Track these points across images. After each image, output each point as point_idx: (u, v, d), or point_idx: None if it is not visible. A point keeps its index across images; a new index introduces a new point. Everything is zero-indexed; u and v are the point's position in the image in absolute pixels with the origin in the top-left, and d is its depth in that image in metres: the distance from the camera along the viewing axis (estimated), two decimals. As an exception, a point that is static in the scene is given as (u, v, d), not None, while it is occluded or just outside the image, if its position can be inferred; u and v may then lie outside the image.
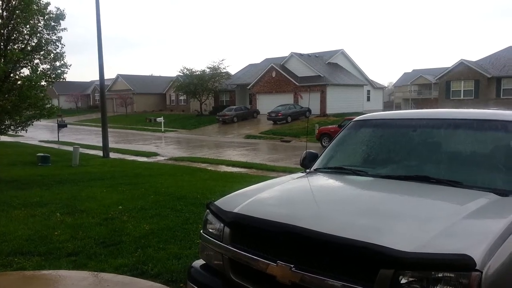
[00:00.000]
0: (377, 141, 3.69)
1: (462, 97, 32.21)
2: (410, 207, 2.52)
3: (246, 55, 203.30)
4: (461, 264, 1.79)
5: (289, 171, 10.45)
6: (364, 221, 2.28)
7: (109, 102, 53.19)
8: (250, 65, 50.77)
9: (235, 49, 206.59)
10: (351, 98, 39.18)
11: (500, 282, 1.88)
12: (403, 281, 1.90)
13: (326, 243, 2.12)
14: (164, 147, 24.18)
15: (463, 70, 32.21)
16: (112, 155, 18.56)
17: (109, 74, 76.03)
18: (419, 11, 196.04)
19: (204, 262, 2.88)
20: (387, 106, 56.75)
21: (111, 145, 20.04)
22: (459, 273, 1.80)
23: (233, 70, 50.77)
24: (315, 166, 3.74)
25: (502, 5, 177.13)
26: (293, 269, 2.18)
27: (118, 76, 60.68)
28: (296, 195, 3.01)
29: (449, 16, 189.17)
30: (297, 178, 3.45)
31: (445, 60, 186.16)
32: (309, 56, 41.54)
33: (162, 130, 35.73)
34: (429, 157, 3.20)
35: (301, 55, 40.78)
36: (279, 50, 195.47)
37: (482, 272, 1.79)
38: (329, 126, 23.21)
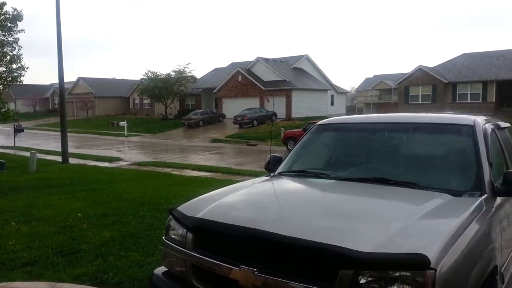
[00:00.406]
0: (338, 144, 3.78)
1: (420, 102, 33.52)
2: (369, 208, 2.58)
3: (212, 59, 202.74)
4: (416, 263, 1.86)
5: (255, 174, 10.46)
6: (325, 223, 2.32)
7: (69, 105, 51.29)
8: (216, 69, 50.62)
9: (201, 53, 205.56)
10: (316, 102, 39.87)
11: (452, 279, 1.96)
12: (362, 281, 1.95)
13: (288, 246, 2.14)
14: (127, 151, 23.61)
15: (421, 76, 33.55)
16: (72, 160, 17.90)
17: (70, 77, 73.65)
18: (380, 19, 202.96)
19: (166, 269, 2.83)
20: (350, 110, 58.13)
21: (71, 150, 19.34)
22: (414, 271, 1.87)
23: (199, 74, 50.36)
24: (279, 169, 3.77)
25: (457, 15, 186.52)
26: (256, 273, 2.18)
27: (79, 79, 58.71)
28: (259, 199, 3.02)
29: (408, 23, 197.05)
30: (261, 182, 3.47)
31: (405, 66, 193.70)
32: (274, 60, 41.94)
33: (125, 135, 34.90)
34: (387, 160, 3.31)
35: (266, 59, 41.11)
36: (245, 54, 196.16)
37: (436, 270, 1.86)
38: (295, 130, 23.51)
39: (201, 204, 2.85)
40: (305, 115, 36.07)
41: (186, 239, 2.61)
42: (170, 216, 2.83)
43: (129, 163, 17.83)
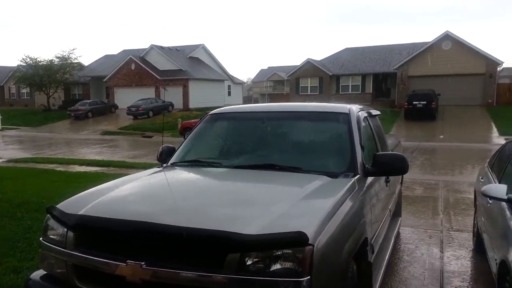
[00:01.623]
0: (230, 133, 3.87)
1: (309, 93, 35.86)
2: (257, 193, 2.71)
3: (101, 45, 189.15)
4: (296, 241, 2.00)
5: (151, 167, 10.14)
6: (214, 210, 2.37)
7: None
8: (106, 56, 47.40)
9: (88, 39, 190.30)
10: (213, 93, 39.96)
11: (328, 252, 2.16)
12: (249, 262, 2.04)
13: (176, 236, 2.14)
14: (2, 147, 20.94)
15: (310, 68, 35.85)
16: None
17: None
18: (273, 11, 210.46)
19: (46, 272, 2.61)
20: (247, 100, 59.61)
21: None
22: (295, 249, 2.01)
23: (86, 61, 46.75)
24: (172, 160, 3.73)
25: (341, 12, 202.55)
26: (143, 266, 2.13)
27: None
28: (149, 190, 2.95)
29: (299, 17, 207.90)
30: (151, 173, 3.38)
31: (296, 58, 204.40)
32: (170, 49, 40.82)
33: (0, 128, 30.87)
34: (275, 146, 3.50)
35: (161, 47, 39.81)
36: (138, 41, 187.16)
37: (314, 246, 2.03)
38: (192, 120, 23.28)
39: (84, 200, 2.68)
40: (202, 105, 35.97)
41: (66, 238, 2.44)
42: (48, 215, 2.60)
43: (4, 160, 15.83)
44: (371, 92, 34.15)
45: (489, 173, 4.61)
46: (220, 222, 2.16)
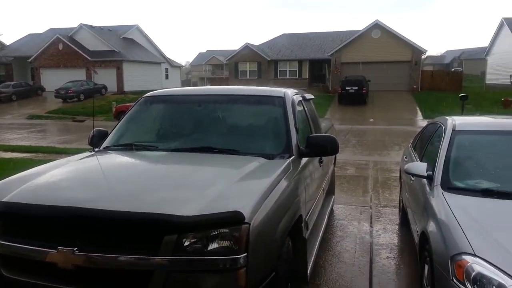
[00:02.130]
0: (166, 116, 3.80)
1: (248, 77, 36.00)
2: (194, 176, 2.71)
3: (25, 23, 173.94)
4: (233, 220, 2.05)
5: (83, 152, 9.66)
6: (150, 193, 2.34)
7: None
8: (31, 35, 43.68)
9: (10, 16, 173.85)
10: (150, 76, 38.60)
11: (264, 230, 2.24)
12: (186, 243, 2.06)
13: (110, 220, 2.09)
14: None
15: (248, 53, 35.90)
16: None
17: None
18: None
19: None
20: (185, 84, 58.49)
21: None
22: (232, 227, 2.06)
23: (8, 40, 42.79)
24: (104, 144, 3.60)
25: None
26: (76, 252, 2.07)
27: None
28: (79, 175, 2.83)
29: (237, 0, 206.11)
30: (82, 158, 3.24)
31: (234, 42, 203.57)
32: (101, 29, 38.59)
33: None
34: (213, 129, 3.50)
35: (92, 27, 37.51)
36: (66, 20, 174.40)
37: (250, 224, 2.10)
38: (127, 104, 22.30)
39: (8, 186, 2.52)
40: (138, 88, 34.61)
41: None
42: (-34, 204, 2.40)
43: None
44: (307, 77, 35.07)
45: (412, 152, 4.99)
46: (156, 205, 2.15)
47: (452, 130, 3.60)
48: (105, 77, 33.88)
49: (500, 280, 2.12)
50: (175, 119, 3.74)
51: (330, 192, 5.73)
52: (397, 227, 5.26)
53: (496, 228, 2.49)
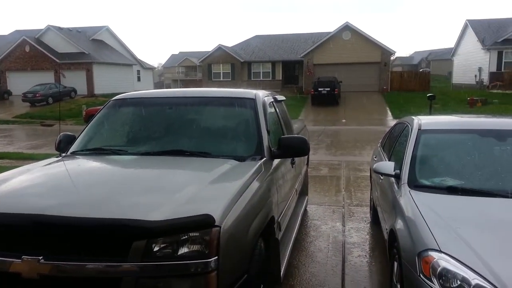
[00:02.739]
0: (135, 119, 3.74)
1: (221, 79, 35.91)
2: (165, 180, 2.68)
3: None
4: (203, 223, 2.04)
5: (51, 157, 9.36)
6: (118, 198, 2.30)
7: None
8: (-6, 36, 42.13)
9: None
10: (121, 78, 37.89)
11: (235, 232, 2.24)
12: (156, 248, 2.03)
13: (76, 227, 2.04)
14: None
15: (221, 55, 35.81)
16: None
17: None
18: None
19: None
20: (158, 86, 57.70)
21: None
22: (202, 231, 2.05)
23: (-31, 41, 40.86)
24: (72, 149, 3.51)
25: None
26: (41, 261, 2.01)
27: None
28: (44, 181, 2.75)
29: (209, 1, 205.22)
30: (48, 164, 3.15)
31: (207, 44, 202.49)
32: (70, 30, 37.60)
33: None
34: (184, 132, 3.47)
35: (60, 28, 36.49)
36: (32, 21, 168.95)
37: (220, 227, 2.09)
38: (98, 107, 21.85)
39: None
40: (110, 91, 33.91)
41: None
42: None
43: None
44: (281, 79, 35.30)
45: (381, 152, 5.11)
46: (124, 210, 2.11)
47: (418, 129, 3.70)
48: (75, 80, 33.02)
49: (464, 275, 2.19)
50: (144, 122, 3.68)
51: (303, 192, 5.78)
52: (368, 225, 5.36)
53: (460, 224, 2.57)
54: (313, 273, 3.99)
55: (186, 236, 2.04)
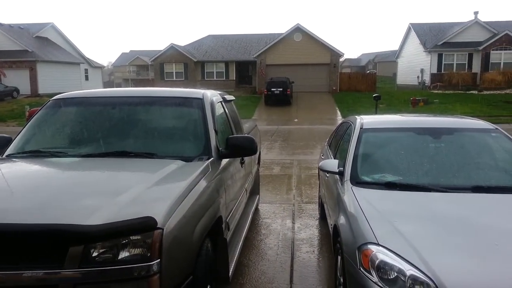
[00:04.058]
0: (77, 119, 3.60)
1: (174, 79, 35.31)
2: (106, 182, 2.60)
3: None
4: (144, 226, 2.01)
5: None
6: (55, 203, 2.20)
7: None
8: None
9: None
10: (68, 77, 36.16)
11: (179, 234, 2.22)
12: (95, 253, 1.97)
13: (10, 234, 1.94)
14: None
15: (174, 54, 35.21)
16: None
17: None
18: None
19: None
20: (108, 85, 55.75)
21: None
22: (144, 234, 2.01)
23: None
24: (7, 151, 3.32)
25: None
26: None
27: None
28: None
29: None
30: (-20, 168, 2.94)
31: (159, 43, 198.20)
32: (11, 27, 35.32)
33: None
34: (128, 133, 3.38)
35: (0, 25, 34.20)
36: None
37: (163, 229, 2.06)
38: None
39: None
40: (55, 90, 31.97)
41: None
42: None
43: None
44: (234, 79, 35.32)
45: (327, 150, 5.27)
46: (61, 216, 2.03)
47: (360, 128, 3.86)
48: (17, 79, 31.11)
49: (400, 266, 2.31)
50: (86, 123, 3.54)
51: (254, 192, 5.83)
52: (317, 222, 5.51)
53: (397, 218, 2.71)
54: (262, 270, 4.04)
55: (127, 240, 2.00)
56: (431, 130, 3.85)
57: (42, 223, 1.94)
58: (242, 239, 4.03)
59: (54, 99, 3.72)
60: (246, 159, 4.55)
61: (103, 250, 1.98)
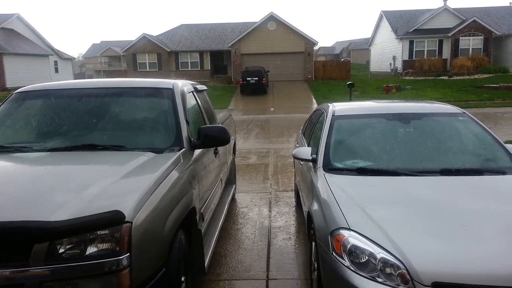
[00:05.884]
0: (42, 113, 3.47)
1: (148, 69, 34.66)
2: (72, 176, 2.52)
3: None
4: (112, 220, 1.96)
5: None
6: (17, 199, 2.12)
7: None
8: None
9: None
10: (36, 69, 34.98)
11: (149, 226, 2.18)
12: (61, 250, 1.92)
13: None
14: None
15: (146, 44, 34.51)
16: None
17: None
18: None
19: None
20: (79, 77, 54.28)
21: None
22: (112, 228, 1.97)
23: None
24: (-32, 148, 3.16)
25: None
26: None
27: None
28: None
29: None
30: None
31: (131, 33, 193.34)
32: (-28, 17, 33.80)
33: None
34: (95, 125, 3.28)
35: (-40, 15, 32.65)
36: None
37: (132, 223, 2.02)
38: (9, 102, 20.05)
39: None
40: (24, 83, 30.51)
41: None
42: None
43: None
44: (209, 68, 34.97)
45: (302, 138, 5.29)
46: (25, 212, 1.95)
47: (332, 115, 3.89)
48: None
49: (371, 250, 2.35)
50: (52, 115, 3.42)
51: (230, 181, 5.82)
52: (293, 209, 5.55)
53: (368, 202, 2.75)
54: (239, 259, 4.05)
55: (95, 235, 1.95)
56: (401, 116, 3.91)
57: (4, 221, 1.87)
58: (218, 229, 4.02)
59: (17, 92, 3.58)
60: (220, 149, 4.52)
61: (70, 246, 1.92)
